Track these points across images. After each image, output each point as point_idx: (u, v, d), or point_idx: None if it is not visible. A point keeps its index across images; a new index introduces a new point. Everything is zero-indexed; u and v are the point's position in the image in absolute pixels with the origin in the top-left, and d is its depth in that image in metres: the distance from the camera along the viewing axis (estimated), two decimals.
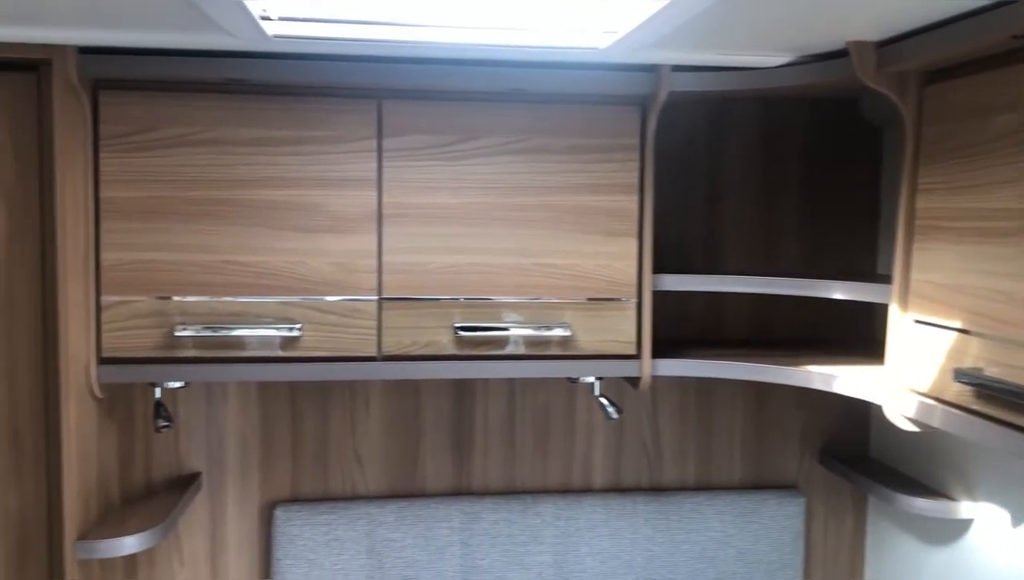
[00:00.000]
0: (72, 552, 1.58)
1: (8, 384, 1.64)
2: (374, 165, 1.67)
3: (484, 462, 2.06)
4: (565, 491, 2.08)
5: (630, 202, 1.73)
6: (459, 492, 2.05)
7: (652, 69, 1.66)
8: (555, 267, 1.72)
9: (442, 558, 1.99)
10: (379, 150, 1.67)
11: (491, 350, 1.71)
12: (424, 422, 2.03)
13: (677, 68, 1.65)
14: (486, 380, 2.04)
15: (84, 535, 1.61)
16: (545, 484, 2.08)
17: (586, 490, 2.09)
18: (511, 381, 2.05)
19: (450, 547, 2.00)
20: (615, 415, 1.82)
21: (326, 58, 1.58)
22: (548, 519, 2.03)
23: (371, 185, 1.67)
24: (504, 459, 2.06)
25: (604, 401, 1.84)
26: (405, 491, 2.04)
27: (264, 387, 1.96)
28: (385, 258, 1.68)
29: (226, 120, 1.63)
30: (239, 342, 1.65)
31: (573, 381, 1.87)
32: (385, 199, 1.67)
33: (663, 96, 1.66)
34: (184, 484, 1.90)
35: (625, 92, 1.68)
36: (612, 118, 1.72)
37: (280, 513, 1.95)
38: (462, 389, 2.04)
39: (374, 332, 1.68)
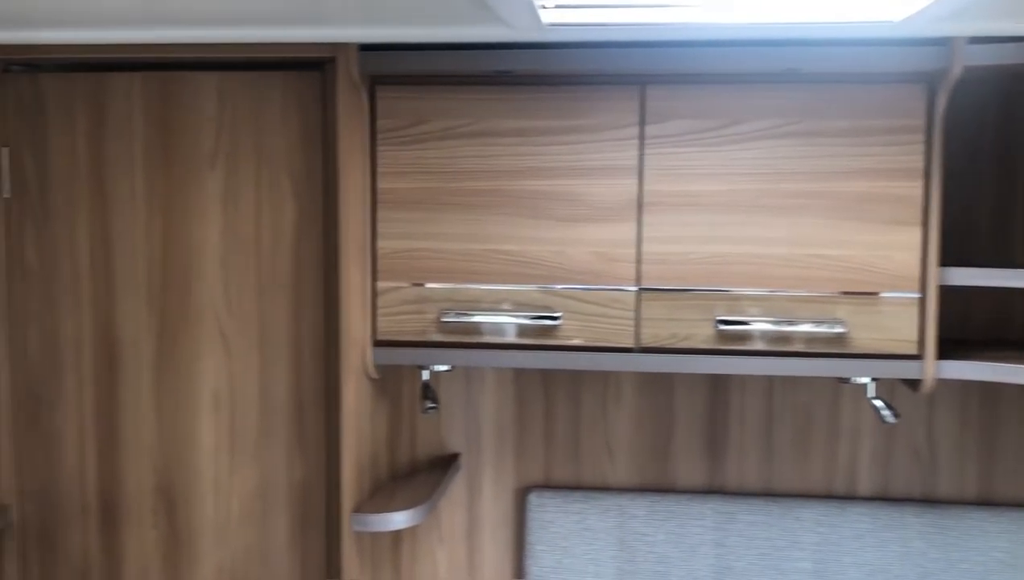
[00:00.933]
0: (348, 523, 1.68)
1: (295, 364, 1.77)
2: (635, 153, 1.64)
3: (739, 461, 1.98)
4: (827, 496, 1.96)
5: (914, 188, 1.59)
6: (712, 490, 1.99)
7: (943, 42, 1.51)
8: (828, 258, 1.61)
9: (694, 556, 1.94)
10: (641, 137, 1.64)
11: (755, 345, 1.64)
12: (677, 416, 1.99)
13: (973, 40, 1.50)
14: (743, 376, 1.96)
15: (358, 508, 1.70)
16: (805, 488, 1.97)
17: (850, 497, 1.96)
18: (770, 378, 1.96)
19: (703, 546, 1.94)
20: (892, 419, 1.69)
21: (591, 45, 1.57)
22: (808, 524, 1.92)
23: (632, 173, 1.64)
24: (761, 459, 1.98)
25: (879, 403, 1.71)
26: (655, 485, 2.00)
27: (519, 373, 2.00)
28: (645, 248, 1.65)
29: (493, 112, 1.66)
30: (501, 329, 1.68)
31: (844, 381, 1.75)
32: (646, 187, 1.64)
33: (956, 72, 1.51)
34: (445, 464, 1.97)
35: (913, 68, 1.54)
36: (895, 97, 1.58)
37: (534, 498, 1.97)
38: (717, 384, 1.97)
39: (632, 323, 1.66)
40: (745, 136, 1.62)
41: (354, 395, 1.70)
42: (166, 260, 1.76)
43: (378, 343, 1.72)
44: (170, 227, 1.75)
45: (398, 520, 1.69)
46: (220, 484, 1.79)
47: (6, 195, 1.76)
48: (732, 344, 1.65)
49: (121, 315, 1.78)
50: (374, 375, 1.75)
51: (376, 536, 1.85)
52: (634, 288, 1.66)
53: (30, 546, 1.83)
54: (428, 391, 1.80)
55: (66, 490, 1.81)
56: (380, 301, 1.71)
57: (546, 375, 2.00)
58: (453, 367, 1.84)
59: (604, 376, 1.98)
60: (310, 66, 1.70)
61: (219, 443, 1.79)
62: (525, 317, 1.66)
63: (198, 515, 1.80)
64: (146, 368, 1.78)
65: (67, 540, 1.82)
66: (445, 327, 1.69)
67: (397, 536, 1.99)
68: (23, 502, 1.82)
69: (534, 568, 1.96)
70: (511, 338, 1.68)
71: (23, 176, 1.76)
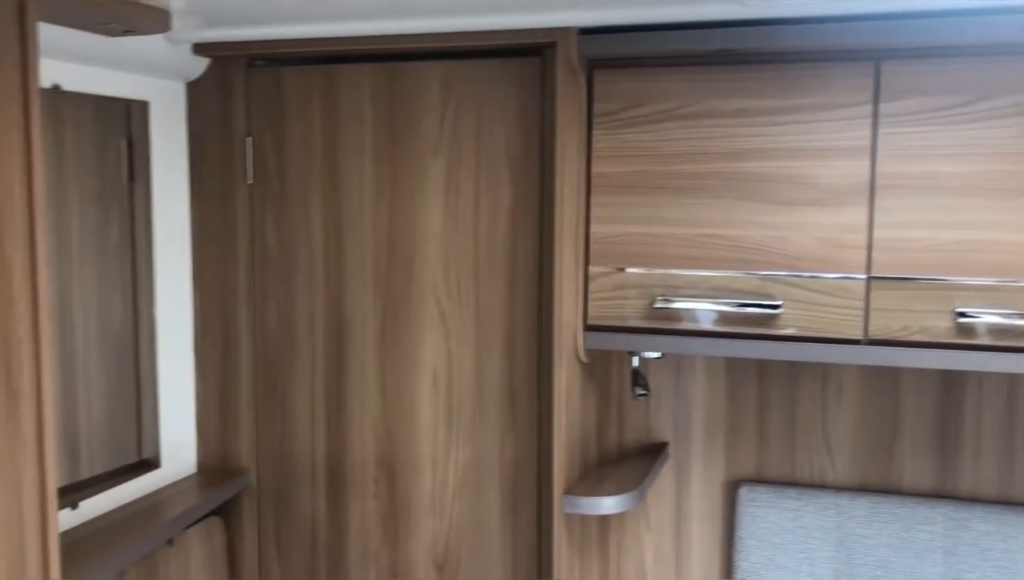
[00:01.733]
0: (559, 505, 1.69)
1: (509, 346, 1.80)
2: (867, 132, 1.55)
3: (974, 466, 1.84)
4: None
5: None
6: (942, 495, 1.86)
7: None
8: None
9: (921, 564, 1.82)
10: (874, 116, 1.54)
11: (998, 340, 1.51)
12: (903, 414, 1.86)
13: None
14: (980, 373, 1.81)
15: (569, 490, 1.72)
16: None
17: None
18: (1012, 376, 1.80)
19: (930, 554, 1.82)
20: None
21: (821, 20, 1.50)
22: None
23: (863, 154, 1.55)
24: (999, 465, 1.82)
25: None
26: (878, 486, 1.89)
27: (731, 362, 1.94)
28: (876, 233, 1.56)
29: (712, 92, 1.61)
30: (715, 317, 1.64)
31: None
32: (879, 168, 1.55)
33: None
34: (653, 452, 1.95)
35: None
36: None
37: (745, 492, 1.92)
38: (949, 380, 1.83)
39: (860, 313, 1.57)
40: (993, 113, 1.49)
41: (565, 378, 1.71)
42: (391, 244, 1.84)
43: (589, 328, 1.72)
44: (395, 212, 1.84)
45: (608, 504, 1.69)
46: (437, 458, 1.86)
47: (249, 181, 1.91)
48: (971, 338, 1.52)
49: (350, 295, 1.88)
50: (584, 359, 1.75)
51: (584, 521, 1.86)
52: (863, 276, 1.57)
53: (266, 507, 1.97)
54: (638, 377, 1.79)
55: (298, 457, 1.94)
56: (592, 286, 1.71)
57: (760, 366, 1.93)
58: (663, 354, 1.81)
59: (823, 369, 1.89)
60: (530, 52, 1.72)
61: (437, 419, 1.86)
62: (743, 304, 1.61)
63: (416, 487, 1.88)
64: (371, 345, 1.88)
65: (298, 503, 1.95)
66: (657, 313, 1.67)
67: (604, 523, 2.00)
68: (260, 467, 1.97)
69: (743, 563, 1.91)
70: (725, 326, 1.64)
71: (264, 164, 1.90)
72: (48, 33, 1.32)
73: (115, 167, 1.79)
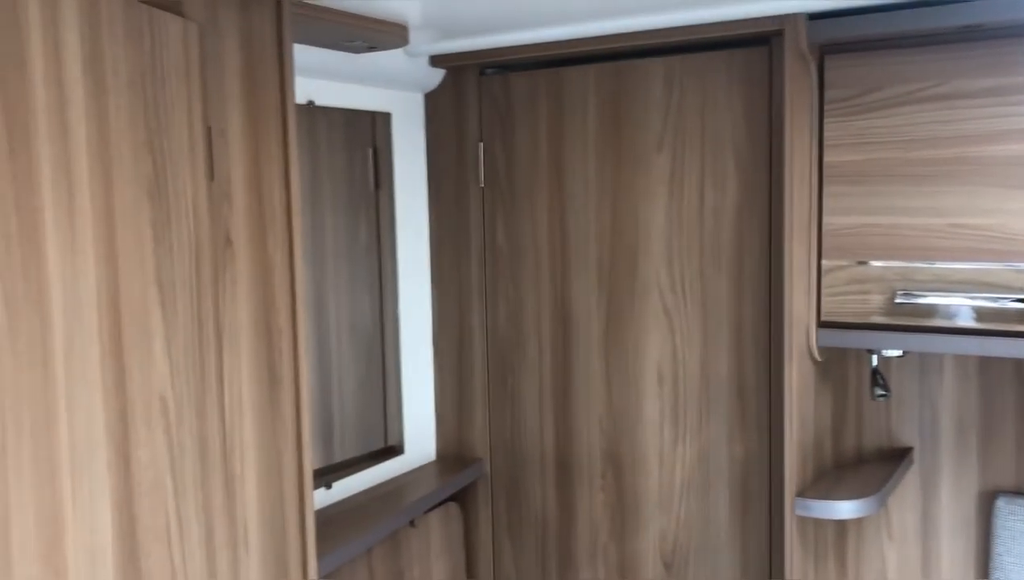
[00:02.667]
0: (791, 507, 1.64)
1: (736, 342, 1.77)
2: None
3: None
4: None
5: None
6: None
7: None
8: None
9: None
10: None
11: None
12: None
13: None
14: None
15: (802, 492, 1.66)
16: None
17: None
18: None
19: None
20: None
21: None
22: None
23: None
24: None
25: None
26: None
27: (985, 363, 1.79)
28: None
29: (958, 71, 1.50)
30: (964, 312, 1.52)
31: None
32: None
33: None
34: (895, 457, 1.84)
35: None
36: None
37: (1003, 504, 1.76)
38: None
39: None
40: None
41: (797, 377, 1.65)
42: (614, 240, 1.87)
43: (823, 324, 1.65)
44: (619, 209, 1.86)
45: (845, 509, 1.61)
46: (664, 454, 1.86)
47: (481, 184, 2.00)
48: None
49: (574, 291, 1.92)
50: (818, 358, 1.68)
51: (819, 526, 1.79)
52: None
53: (498, 494, 2.06)
54: (878, 377, 1.70)
55: (528, 448, 2.01)
56: (825, 280, 1.64)
57: (1019, 366, 1.76)
58: (905, 353, 1.70)
59: None
60: (756, 41, 1.68)
61: (662, 415, 1.86)
62: (1001, 299, 1.48)
63: (643, 482, 1.89)
64: (595, 341, 1.91)
65: (528, 492, 2.02)
66: (898, 309, 1.57)
67: (842, 529, 1.90)
68: (493, 456, 2.06)
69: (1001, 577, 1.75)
70: (978, 322, 1.51)
71: (495, 167, 1.98)
72: (302, 54, 1.45)
73: (362, 175, 1.94)
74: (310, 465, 1.36)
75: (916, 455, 1.86)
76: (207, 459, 1.06)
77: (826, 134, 1.61)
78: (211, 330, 1.08)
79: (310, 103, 1.73)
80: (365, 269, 1.96)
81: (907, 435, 1.87)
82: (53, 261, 0.80)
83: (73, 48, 0.80)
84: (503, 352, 2.02)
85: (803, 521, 1.70)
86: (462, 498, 2.05)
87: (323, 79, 1.73)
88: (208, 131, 1.08)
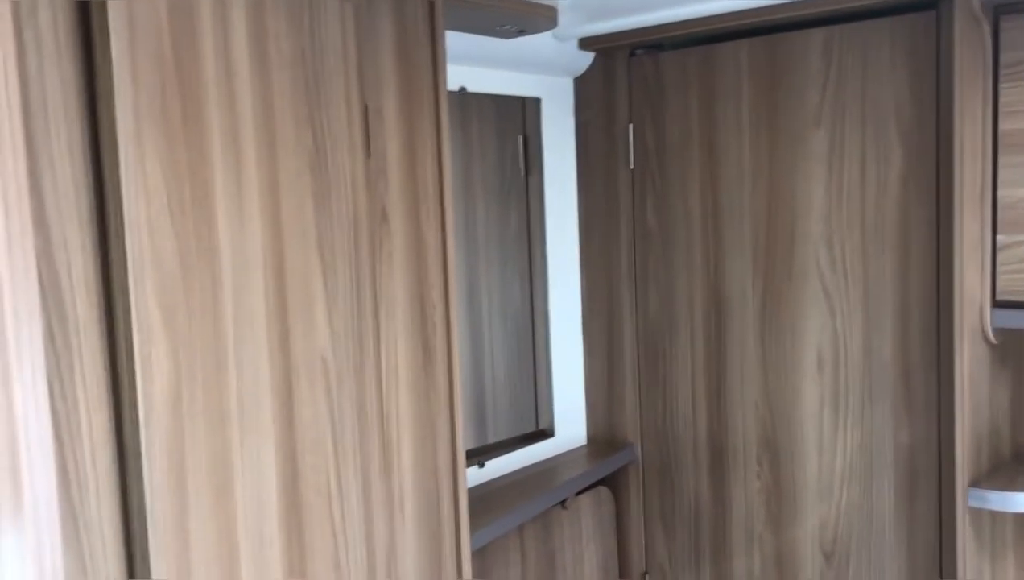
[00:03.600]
0: (963, 498, 1.54)
1: (901, 322, 1.68)
2: None
3: None
4: None
5: None
6: None
7: None
8: None
9: None
10: None
11: None
12: None
13: None
14: None
15: (975, 483, 1.56)
16: None
17: None
18: None
19: None
20: None
21: None
22: None
23: None
24: None
25: None
26: None
27: None
28: None
29: None
30: None
31: None
32: None
33: None
34: None
35: None
36: None
37: None
38: None
39: None
40: None
41: (969, 360, 1.55)
42: (770, 220, 1.81)
43: (998, 304, 1.55)
44: (774, 188, 1.80)
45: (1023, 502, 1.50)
46: (824, 441, 1.79)
47: (631, 167, 1.99)
48: None
49: (728, 273, 1.88)
50: (993, 340, 1.58)
51: (997, 520, 1.67)
52: None
53: (650, 479, 2.04)
54: None
55: (680, 433, 1.98)
56: (1001, 257, 1.53)
57: None
58: None
59: None
60: (922, 6, 1.59)
61: (822, 400, 1.78)
62: None
63: (801, 471, 1.82)
64: (751, 324, 1.86)
65: (680, 478, 1.99)
66: None
67: (1021, 524, 1.77)
68: (644, 440, 2.04)
69: None
70: None
71: (644, 149, 1.97)
72: (453, 40, 1.49)
73: (513, 162, 1.97)
74: (463, 438, 1.39)
75: None
76: (365, 424, 1.10)
77: (1002, 100, 1.51)
78: (369, 300, 1.13)
79: (462, 89, 1.77)
80: (516, 255, 1.99)
81: None
82: (223, 225, 0.86)
83: (239, 23, 0.86)
84: (654, 336, 2.00)
85: (978, 515, 1.59)
86: (613, 483, 2.04)
87: (474, 65, 1.76)
88: (365, 109, 1.13)
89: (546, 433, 2.03)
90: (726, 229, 1.87)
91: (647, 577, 2.05)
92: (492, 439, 1.95)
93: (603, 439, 2.07)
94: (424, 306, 1.30)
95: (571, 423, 2.06)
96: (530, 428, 2.03)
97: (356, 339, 1.09)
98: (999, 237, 1.53)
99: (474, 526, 1.48)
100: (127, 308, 0.76)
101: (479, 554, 1.64)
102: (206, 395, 0.84)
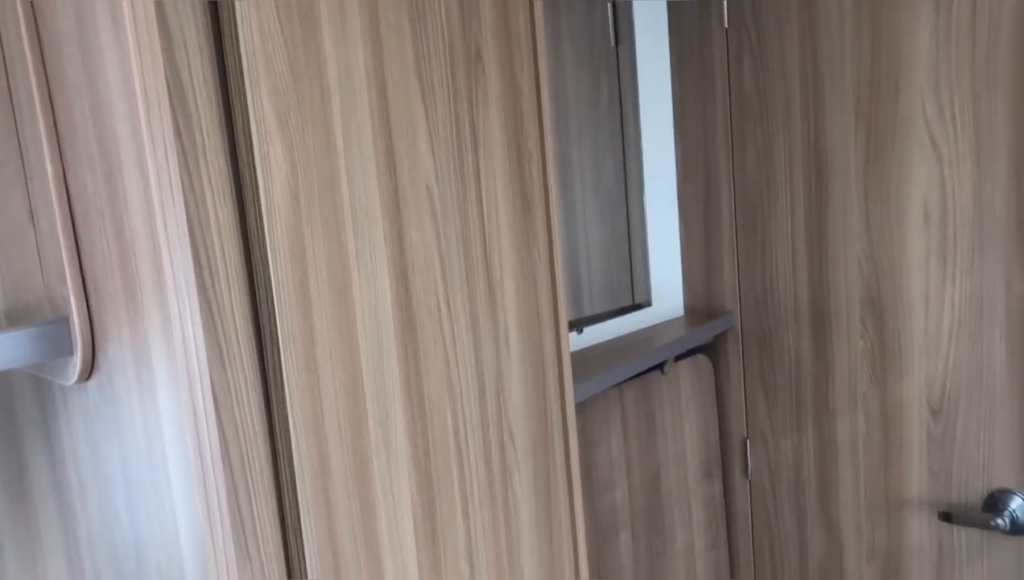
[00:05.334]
0: None
1: (1016, 171, 1.61)
2: None
3: None
4: None
5: None
6: None
7: None
8: None
9: None
10: None
11: None
12: None
13: None
14: None
15: None
16: None
17: None
18: None
19: None
20: None
21: None
22: None
23: None
24: None
25: None
26: None
27: None
28: None
29: None
30: None
31: None
32: None
33: None
34: None
35: None
36: None
37: None
38: None
39: None
40: None
41: None
42: (873, 70, 1.74)
43: None
44: (876, 35, 1.73)
45: None
46: (930, 296, 1.75)
47: (725, 26, 1.93)
48: None
49: (828, 129, 1.82)
50: None
51: None
52: None
53: (749, 345, 2.03)
54: None
55: (780, 297, 1.96)
56: None
57: None
58: None
59: None
60: None
61: (929, 253, 1.74)
62: None
63: (907, 326, 1.79)
64: (853, 180, 1.81)
65: (781, 342, 1.97)
66: None
67: None
68: (743, 307, 2.03)
69: None
70: None
71: (739, 7, 1.91)
72: None
73: (602, 31, 1.94)
74: (563, 288, 1.41)
75: None
76: (469, 255, 1.12)
77: None
78: (468, 136, 1.14)
79: None
80: (607, 128, 1.97)
81: None
82: (327, 36, 0.88)
83: None
84: (752, 199, 1.97)
85: None
86: (711, 350, 2.05)
87: None
88: None
89: (642, 306, 2.03)
90: (825, 81, 1.81)
91: (748, 442, 2.06)
92: (588, 313, 1.96)
93: (701, 308, 2.07)
94: (520, 153, 1.30)
95: (668, 295, 2.06)
96: (627, 302, 2.03)
97: (458, 173, 1.10)
98: None
99: (575, 380, 1.51)
100: (245, 107, 0.79)
101: (580, 408, 1.67)
102: (322, 201, 0.87)
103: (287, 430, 0.83)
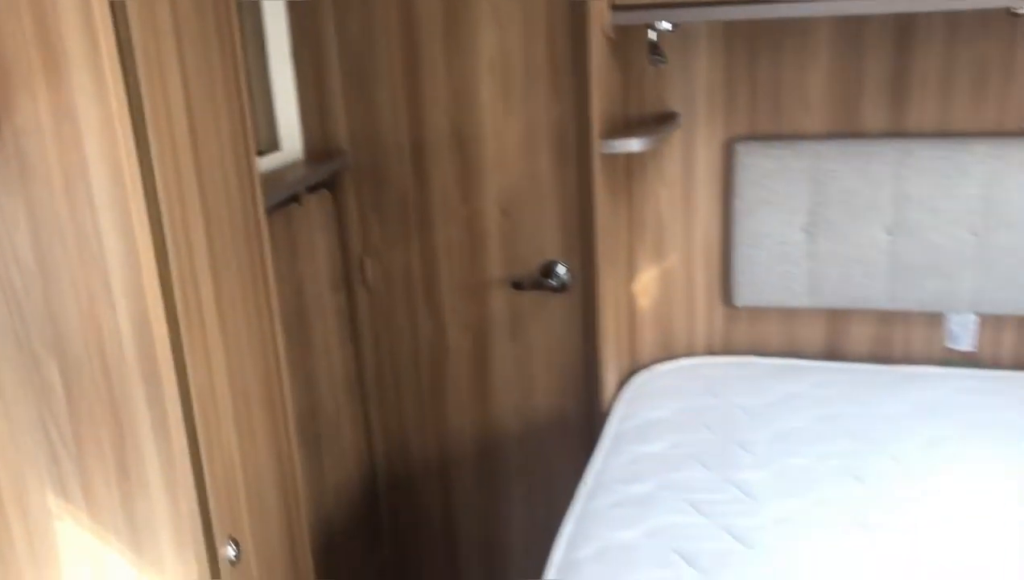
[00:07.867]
0: (598, 148, 2.20)
1: (549, 33, 2.25)
2: None
3: (920, 107, 2.31)
4: (999, 134, 2.28)
5: None
6: (894, 133, 2.35)
7: None
8: None
9: (878, 187, 2.33)
10: None
11: None
12: (865, 70, 2.32)
13: None
14: (927, 29, 2.24)
15: (603, 137, 2.22)
16: (979, 128, 2.29)
17: (1021, 134, 2.27)
18: (951, 30, 2.24)
19: (883, 177, 2.33)
20: None
21: None
22: (980, 157, 2.26)
23: None
24: (939, 104, 2.30)
25: None
26: (845, 132, 2.38)
27: (729, 39, 2.37)
28: None
29: None
30: None
31: (1015, 14, 2.03)
32: None
33: None
34: (666, 119, 2.44)
35: None
36: None
37: (739, 147, 2.41)
38: (902, 39, 2.27)
39: None
40: None
41: (597, 52, 2.16)
42: None
43: (615, 7, 2.16)
44: None
45: (634, 144, 2.19)
46: (498, 127, 2.36)
47: None
48: None
49: (417, 5, 2.31)
50: (611, 35, 2.20)
51: (613, 172, 2.37)
52: None
53: (363, 179, 2.49)
54: (655, 48, 2.24)
55: (385, 136, 2.44)
56: None
57: (751, 40, 2.36)
58: (676, 26, 2.25)
59: (803, 39, 2.33)
60: None
61: (494, 96, 2.34)
62: None
63: (483, 152, 2.39)
64: (438, 42, 2.33)
65: (388, 173, 2.47)
66: None
67: (629, 175, 2.51)
68: (355, 148, 2.47)
69: (739, 203, 2.44)
70: None
71: None
72: None
73: None
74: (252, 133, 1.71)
75: (681, 119, 2.48)
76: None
77: None
78: None
79: None
80: None
81: (674, 102, 2.47)
82: None
83: None
84: (359, 62, 2.40)
85: (604, 162, 2.27)
86: (334, 185, 2.47)
87: None
88: None
89: (269, 152, 2.37)
90: None
91: (364, 257, 2.55)
92: None
93: (320, 151, 2.47)
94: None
95: (291, 140, 2.43)
96: (263, 147, 2.36)
97: None
98: None
99: None
100: None
101: None
102: None
103: None
